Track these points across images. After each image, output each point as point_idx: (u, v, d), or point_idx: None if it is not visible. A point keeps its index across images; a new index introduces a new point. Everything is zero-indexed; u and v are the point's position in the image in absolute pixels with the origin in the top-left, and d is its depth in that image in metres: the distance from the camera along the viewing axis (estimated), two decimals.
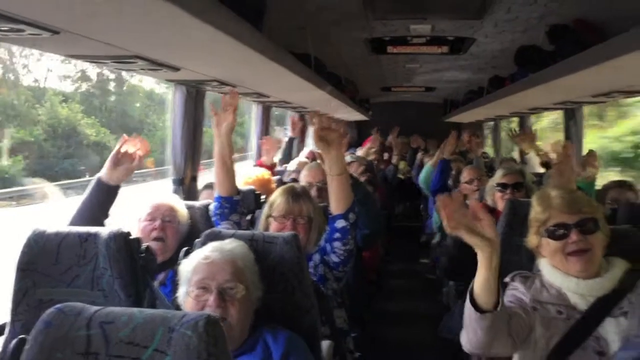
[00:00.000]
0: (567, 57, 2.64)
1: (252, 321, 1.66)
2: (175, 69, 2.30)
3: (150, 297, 1.85)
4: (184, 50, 2.00)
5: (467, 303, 1.58)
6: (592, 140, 6.31)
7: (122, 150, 2.27)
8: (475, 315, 1.55)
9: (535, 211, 1.88)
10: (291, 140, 5.67)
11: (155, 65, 2.14)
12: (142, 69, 2.22)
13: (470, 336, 1.62)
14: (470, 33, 3.61)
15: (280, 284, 1.81)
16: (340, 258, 2.25)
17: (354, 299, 2.88)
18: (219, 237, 1.85)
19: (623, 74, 2.57)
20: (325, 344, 2.03)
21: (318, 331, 1.85)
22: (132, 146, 2.29)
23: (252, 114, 4.92)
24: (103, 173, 2.25)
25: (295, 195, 2.33)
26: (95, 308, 1.09)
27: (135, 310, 1.08)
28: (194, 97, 3.08)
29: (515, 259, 2.12)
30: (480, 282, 1.55)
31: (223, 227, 2.41)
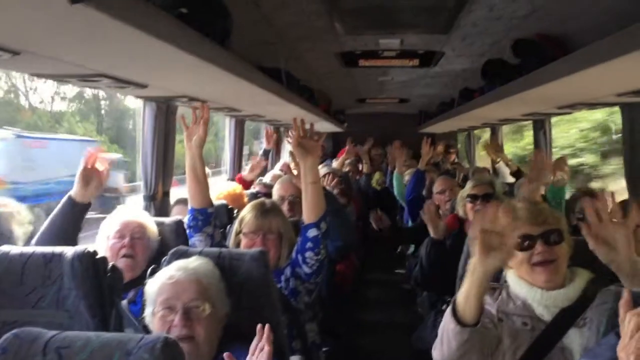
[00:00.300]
0: (531, 71, 2.70)
1: (220, 338, 1.66)
2: (143, 86, 2.29)
3: (116, 317, 1.84)
4: (150, 68, 2.00)
5: (448, 313, 1.57)
6: (507, 149, 8.38)
7: (89, 166, 2.25)
8: (454, 327, 1.55)
9: None
10: (266, 152, 5.68)
11: (121, 82, 2.14)
12: (108, 87, 2.22)
13: (443, 348, 1.61)
14: (438, 47, 3.66)
15: (248, 300, 1.81)
16: (312, 269, 2.26)
17: (327, 312, 2.89)
18: (185, 254, 1.84)
19: (585, 87, 2.63)
20: (294, 359, 2.03)
21: (286, 347, 1.86)
22: (99, 162, 2.28)
23: (226, 127, 4.91)
24: (74, 192, 2.23)
25: (265, 210, 2.34)
26: (52, 333, 1.08)
27: (91, 334, 1.07)
28: (164, 112, 3.06)
29: None
30: (463, 291, 1.55)
31: (196, 239, 2.40)
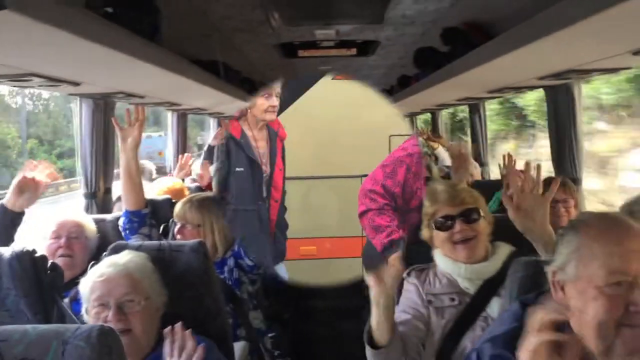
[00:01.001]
0: (460, 57, 2.81)
1: (159, 328, 1.69)
2: (75, 83, 2.28)
3: (58, 314, 1.85)
4: (80, 66, 1.99)
5: (365, 341, 1.66)
6: None
7: (28, 176, 2.26)
8: (371, 352, 1.65)
9: (425, 206, 2.04)
10: (211, 148, 5.63)
11: (53, 81, 2.12)
12: (40, 85, 2.20)
13: None
14: (374, 36, 3.73)
15: (189, 291, 1.85)
16: (253, 261, 2.33)
17: (272, 299, 2.96)
18: (125, 249, 1.86)
19: (508, 71, 2.76)
20: (239, 345, 2.09)
21: (229, 334, 1.91)
22: (38, 172, 2.29)
23: (168, 122, 4.85)
24: (7, 200, 2.24)
25: (189, 203, 2.42)
26: None
27: (28, 326, 1.10)
28: (102, 108, 2.99)
29: (423, 250, 2.24)
30: (374, 321, 1.63)
31: (134, 242, 2.42)
